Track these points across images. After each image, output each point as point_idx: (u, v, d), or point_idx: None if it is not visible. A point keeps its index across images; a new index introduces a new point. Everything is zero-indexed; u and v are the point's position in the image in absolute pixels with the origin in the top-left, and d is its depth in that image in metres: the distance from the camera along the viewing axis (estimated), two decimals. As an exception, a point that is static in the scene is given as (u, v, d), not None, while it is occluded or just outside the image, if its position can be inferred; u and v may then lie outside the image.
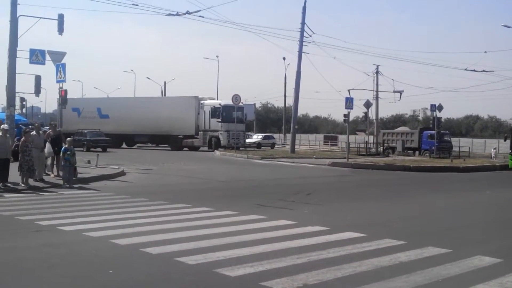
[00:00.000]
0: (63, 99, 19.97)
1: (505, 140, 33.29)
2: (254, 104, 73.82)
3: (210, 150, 39.86)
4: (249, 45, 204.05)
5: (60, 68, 19.52)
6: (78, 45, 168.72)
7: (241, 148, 40.09)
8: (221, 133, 40.16)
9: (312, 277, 6.34)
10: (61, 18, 22.90)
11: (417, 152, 42.64)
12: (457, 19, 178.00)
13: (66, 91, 20.03)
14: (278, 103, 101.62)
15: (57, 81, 19.74)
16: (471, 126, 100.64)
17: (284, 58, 58.62)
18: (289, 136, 44.30)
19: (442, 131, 41.54)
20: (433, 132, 38.99)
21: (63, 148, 16.68)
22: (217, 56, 69.59)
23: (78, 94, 78.36)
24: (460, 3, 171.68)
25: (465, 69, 42.75)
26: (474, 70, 41.69)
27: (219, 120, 40.12)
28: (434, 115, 39.15)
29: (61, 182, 16.13)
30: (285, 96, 62.53)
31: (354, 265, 6.97)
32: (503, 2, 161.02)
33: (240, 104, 39.70)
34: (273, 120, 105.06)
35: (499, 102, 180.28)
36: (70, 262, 7.01)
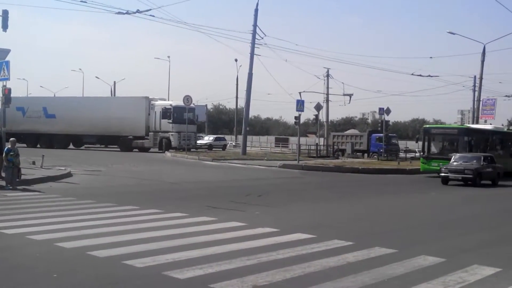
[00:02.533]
0: (6, 98, 19.22)
1: (416, 142, 33.68)
2: (206, 105, 73.71)
3: (161, 151, 39.40)
4: (201, 46, 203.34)
5: (4, 65, 18.79)
6: (24, 42, 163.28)
7: (192, 150, 39.82)
8: (172, 134, 39.77)
9: (261, 279, 6.35)
10: (5, 14, 22.18)
11: (366, 155, 43.60)
12: (405, 25, 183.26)
13: (10, 90, 19.30)
14: (230, 104, 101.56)
15: (1, 79, 19.00)
16: (417, 130, 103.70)
17: (236, 60, 58.72)
18: (240, 137, 44.35)
19: (390, 134, 42.67)
20: (381, 135, 39.94)
21: (6, 148, 16.10)
22: (169, 57, 68.79)
23: (23, 92, 75.83)
24: (408, 10, 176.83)
25: (412, 74, 44.14)
26: (420, 75, 43.10)
27: (170, 121, 39.71)
28: (382, 118, 40.11)
29: (3, 183, 15.57)
30: (236, 97, 62.56)
31: (303, 266, 7.04)
32: (449, 9, 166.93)
33: (192, 105, 39.42)
34: (224, 121, 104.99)
35: (444, 106, 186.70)
36: (13, 266, 6.75)
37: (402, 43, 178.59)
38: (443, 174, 22.10)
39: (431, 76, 43.67)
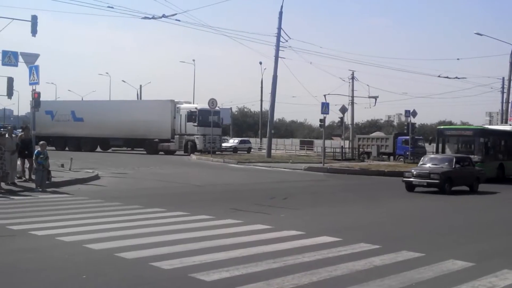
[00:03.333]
0: (36, 102, 19.59)
1: (429, 144, 32.50)
2: (231, 108, 73.96)
3: (186, 154, 39.66)
4: (226, 49, 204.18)
5: (33, 70, 19.16)
6: (52, 47, 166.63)
7: (217, 152, 39.98)
8: (197, 137, 40.00)
9: (287, 282, 6.34)
10: (34, 20, 22.60)
11: (391, 157, 43.15)
12: (432, 26, 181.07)
13: (39, 94, 19.66)
14: (255, 107, 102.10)
15: (30, 83, 19.36)
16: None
17: (260, 63, 58.82)
18: (265, 140, 44.31)
19: (416, 137, 42.13)
20: (407, 137, 39.49)
21: (36, 151, 16.41)
22: (194, 60, 69.68)
23: (51, 96, 77.30)
24: (436, 11, 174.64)
25: (439, 76, 43.61)
26: (447, 77, 42.52)
27: (195, 124, 39.97)
28: (408, 120, 39.64)
29: (33, 186, 15.87)
30: (261, 100, 62.69)
31: (329, 269, 7.00)
32: (476, 10, 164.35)
33: (217, 108, 39.60)
34: (249, 124, 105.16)
35: (471, 108, 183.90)
36: (42, 268, 6.88)
37: (428, 45, 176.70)
38: (405, 179, 19.02)
39: (458, 78, 43.10)
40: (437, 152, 26.20)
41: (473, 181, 20.12)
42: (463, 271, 7.22)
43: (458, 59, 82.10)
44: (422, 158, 21.32)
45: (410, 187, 18.88)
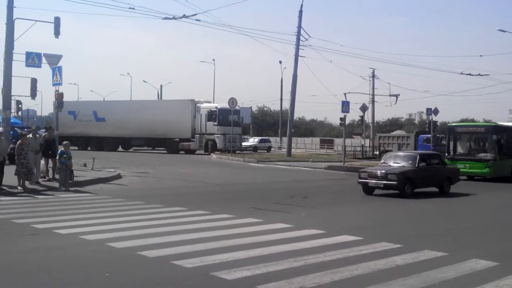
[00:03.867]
0: (59, 102, 19.88)
1: (440, 142, 31.47)
2: (251, 107, 73.93)
3: (207, 153, 39.82)
4: (246, 48, 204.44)
5: (56, 71, 19.43)
6: (74, 48, 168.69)
7: (237, 152, 40.07)
8: (217, 136, 40.14)
9: (309, 280, 6.34)
10: (57, 21, 22.90)
11: (413, 156, 42.65)
12: (453, 23, 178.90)
13: (62, 94, 19.94)
14: (275, 106, 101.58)
15: (53, 84, 19.64)
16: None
17: (280, 62, 58.81)
18: (285, 139, 44.24)
19: (437, 135, 41.65)
20: (429, 136, 39.07)
21: (59, 151, 16.64)
22: (214, 60, 69.89)
23: (74, 97, 78.36)
24: (457, 8, 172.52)
25: (461, 73, 42.87)
26: (469, 74, 41.87)
27: (216, 123, 40.11)
28: (430, 118, 39.19)
29: (57, 185, 16.09)
30: (281, 99, 62.57)
31: (350, 268, 6.98)
32: (499, 6, 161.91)
33: (237, 107, 39.67)
34: (269, 123, 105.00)
35: (494, 106, 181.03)
36: (66, 266, 6.99)
37: (450, 42, 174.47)
38: (361, 180, 16.74)
39: (481, 75, 42.44)
40: (448, 151, 25.19)
41: (443, 181, 17.73)
42: (487, 270, 7.14)
43: (480, 56, 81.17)
44: (383, 156, 19.54)
45: (368, 189, 16.60)
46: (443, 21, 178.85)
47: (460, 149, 25.35)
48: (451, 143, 25.51)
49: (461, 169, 22.09)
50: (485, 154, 24.14)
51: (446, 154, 25.05)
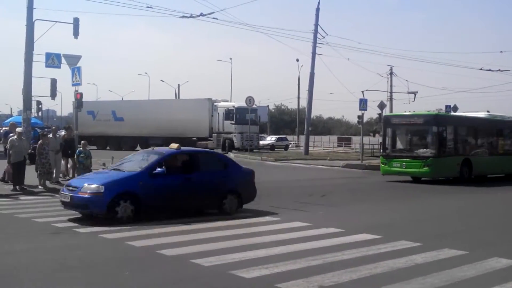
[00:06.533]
0: (78, 102, 20.07)
1: (374, 136, 28.59)
2: (268, 106, 73.94)
3: (224, 152, 39.90)
4: (263, 46, 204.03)
5: (76, 71, 19.61)
6: (93, 48, 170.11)
7: (254, 150, 40.04)
8: (234, 135, 40.18)
9: (327, 279, 6.33)
10: (76, 22, 23.09)
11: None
12: (472, 19, 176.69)
13: (81, 94, 20.13)
14: (292, 104, 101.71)
15: (73, 85, 19.83)
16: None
17: (297, 60, 58.50)
18: (302, 138, 44.12)
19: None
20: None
21: (77, 150, 16.81)
22: (231, 58, 69.62)
23: (93, 97, 79.02)
24: (475, 3, 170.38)
25: (481, 69, 42.30)
26: (489, 70, 41.21)
27: (233, 122, 40.14)
28: (449, 116, 38.74)
29: (77, 184, 16.22)
30: (298, 97, 62.33)
31: (369, 267, 6.95)
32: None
33: (254, 106, 39.65)
34: (286, 122, 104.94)
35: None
36: (87, 264, 7.07)
37: (469, 38, 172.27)
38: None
39: (501, 71, 41.81)
40: (384, 147, 21.80)
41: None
42: (508, 269, 7.05)
43: (501, 52, 79.71)
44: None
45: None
46: (461, 17, 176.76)
47: (400, 145, 21.87)
48: (387, 138, 21.90)
49: (397, 169, 20.38)
50: (424, 150, 20.44)
51: (381, 151, 22.64)
